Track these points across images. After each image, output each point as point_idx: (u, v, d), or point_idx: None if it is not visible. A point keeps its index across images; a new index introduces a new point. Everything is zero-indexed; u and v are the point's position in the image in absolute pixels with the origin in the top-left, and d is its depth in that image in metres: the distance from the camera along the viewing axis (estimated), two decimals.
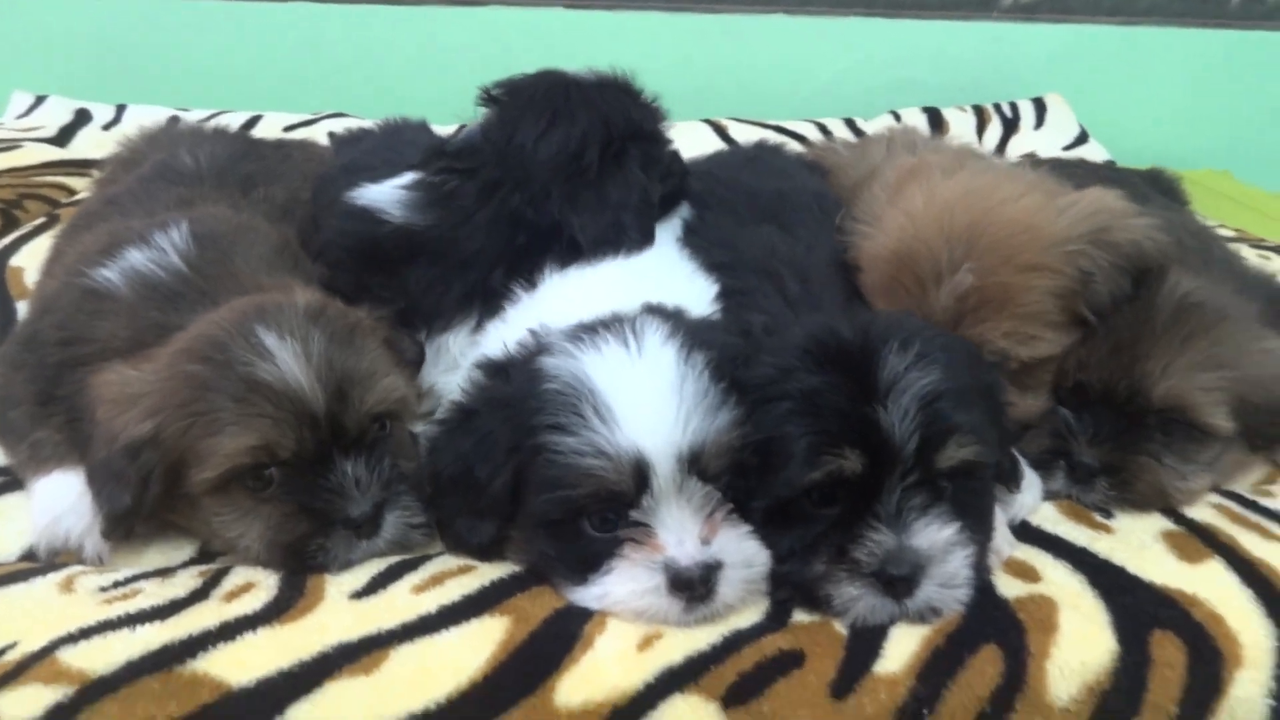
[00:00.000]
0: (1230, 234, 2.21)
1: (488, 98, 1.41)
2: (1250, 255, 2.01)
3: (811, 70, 3.05)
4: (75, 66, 2.73)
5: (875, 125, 2.73)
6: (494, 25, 2.92)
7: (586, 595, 1.01)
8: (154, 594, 1.02)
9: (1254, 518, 1.19)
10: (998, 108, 2.91)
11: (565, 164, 1.27)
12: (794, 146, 2.05)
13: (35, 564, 1.09)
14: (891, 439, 1.01)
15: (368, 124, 2.08)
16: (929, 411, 1.02)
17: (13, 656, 0.91)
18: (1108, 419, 1.22)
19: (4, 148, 2.27)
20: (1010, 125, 2.85)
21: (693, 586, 0.98)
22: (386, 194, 1.35)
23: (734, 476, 1.04)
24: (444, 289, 1.32)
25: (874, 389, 1.02)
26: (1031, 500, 1.23)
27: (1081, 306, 1.23)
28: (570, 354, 1.04)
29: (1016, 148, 2.78)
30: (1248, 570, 1.09)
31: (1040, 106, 2.91)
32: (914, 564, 1.01)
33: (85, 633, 0.94)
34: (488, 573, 1.06)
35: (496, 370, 1.11)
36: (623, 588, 0.99)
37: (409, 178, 1.37)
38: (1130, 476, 1.21)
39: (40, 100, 2.61)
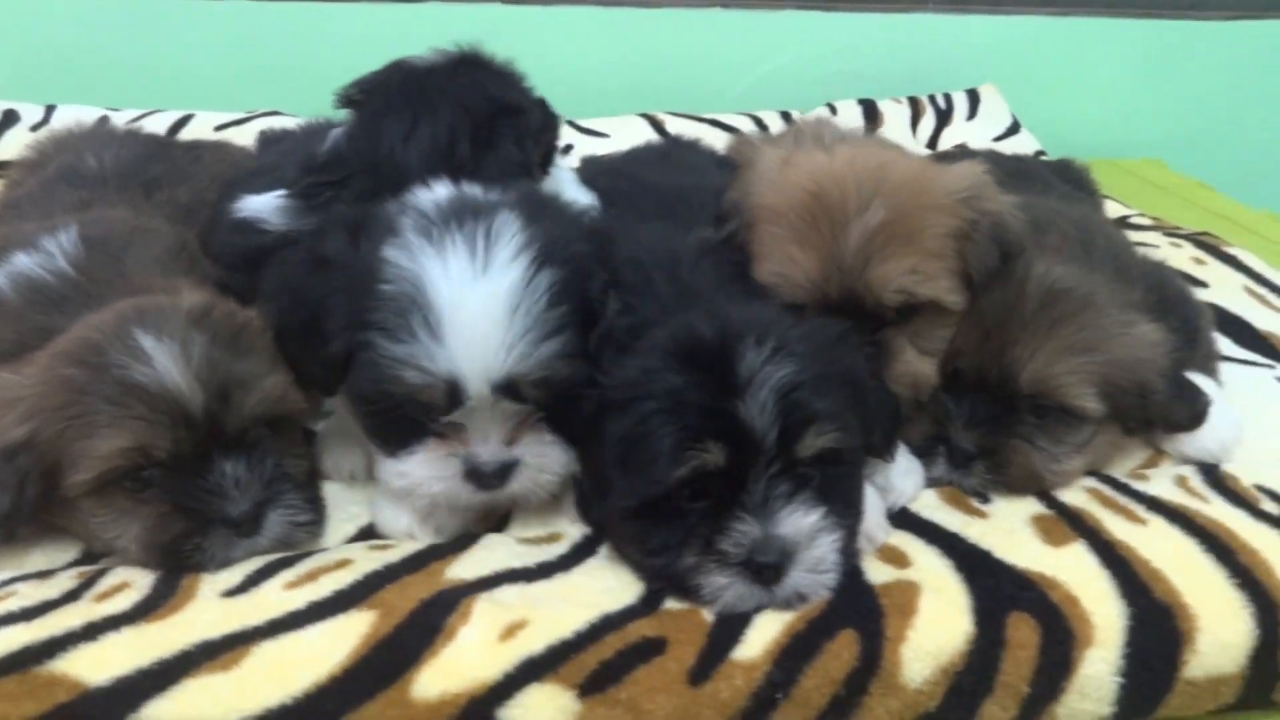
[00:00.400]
0: (1147, 222, 2.25)
1: (347, 100, 1.41)
2: (1161, 242, 2.07)
3: (749, 64, 3.07)
4: (3, 66, 2.70)
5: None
6: (431, 21, 2.91)
7: (390, 469, 1.11)
8: (28, 595, 1.03)
9: (1124, 501, 1.22)
10: (932, 99, 2.94)
11: (438, 162, 1.28)
12: (723, 141, 2.08)
13: None
14: (752, 431, 1.04)
15: (297, 123, 2.08)
16: (787, 402, 1.05)
17: None
18: (982, 404, 1.25)
19: None
20: (944, 117, 2.88)
21: (486, 479, 1.09)
22: (267, 204, 1.35)
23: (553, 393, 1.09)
24: None
25: (733, 384, 1.05)
26: (911, 488, 1.25)
27: (969, 262, 1.25)
28: (413, 253, 1.05)
29: (949, 139, 2.81)
30: (1109, 552, 1.12)
31: (974, 98, 2.94)
32: (781, 551, 1.04)
33: None
34: (363, 566, 1.08)
35: (355, 227, 1.12)
36: (422, 470, 1.09)
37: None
38: (1004, 460, 1.24)
39: None
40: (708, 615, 1.04)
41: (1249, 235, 2.46)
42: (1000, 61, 3.09)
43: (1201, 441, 1.32)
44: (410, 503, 1.15)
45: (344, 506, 1.23)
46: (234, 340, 1.14)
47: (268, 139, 1.97)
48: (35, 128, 2.47)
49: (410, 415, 1.08)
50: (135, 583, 1.05)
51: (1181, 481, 1.26)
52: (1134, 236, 2.12)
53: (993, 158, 1.90)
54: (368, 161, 1.33)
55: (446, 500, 1.11)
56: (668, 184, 1.53)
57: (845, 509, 1.10)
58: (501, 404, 1.07)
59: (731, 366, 1.06)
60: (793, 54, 3.04)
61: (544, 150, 1.42)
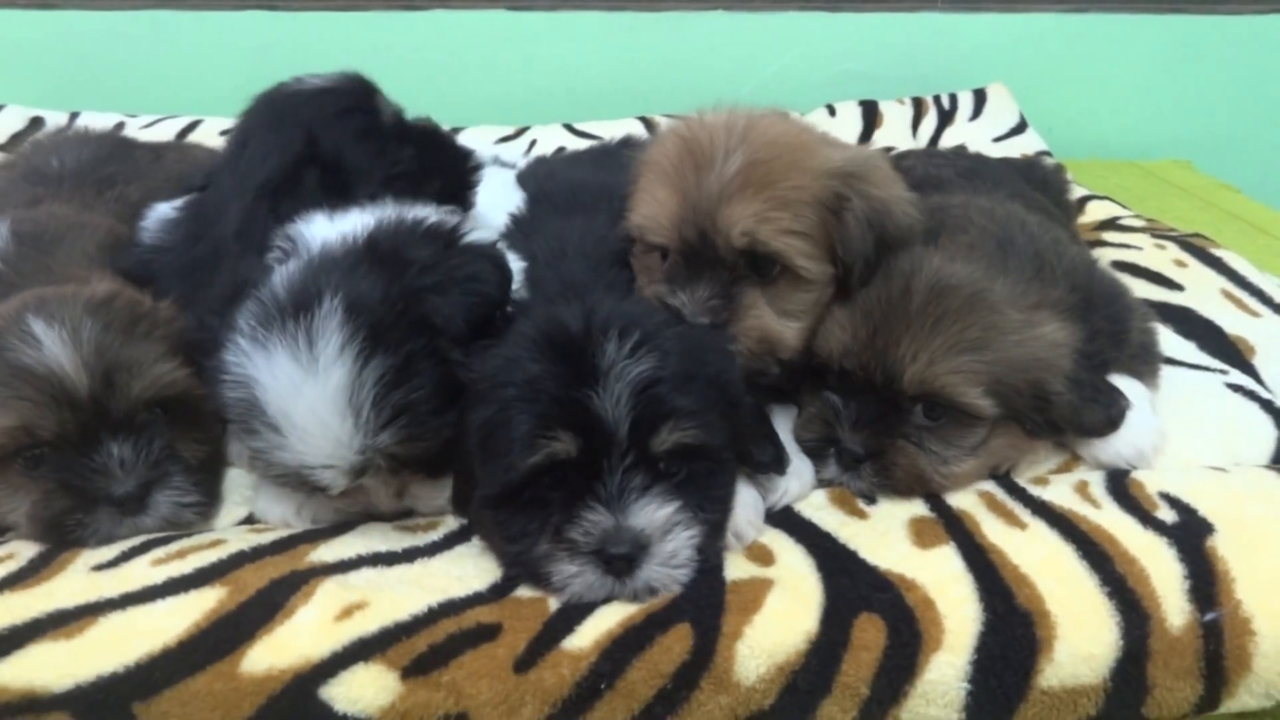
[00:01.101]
0: (1139, 224, 2.16)
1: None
2: (1145, 244, 1.98)
3: (752, 66, 3.05)
4: (36, 76, 2.87)
5: (810, 120, 2.73)
6: (438, 28, 2.98)
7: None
8: None
9: (1011, 504, 1.18)
10: (936, 100, 2.88)
11: (274, 183, 1.33)
12: None
13: None
14: (605, 423, 1.04)
15: None
16: (644, 396, 1.05)
17: None
18: (870, 405, 1.22)
19: None
20: (946, 117, 2.81)
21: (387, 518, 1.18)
22: (157, 214, 1.42)
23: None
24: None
25: (591, 375, 1.05)
26: (797, 487, 1.23)
27: (836, 239, 1.24)
28: (246, 355, 1.06)
29: (951, 139, 2.74)
30: (977, 556, 1.08)
31: (980, 97, 2.86)
32: (633, 543, 1.04)
33: None
34: (233, 546, 1.11)
35: (207, 326, 1.16)
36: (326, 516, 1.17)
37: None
38: (890, 461, 1.21)
39: None
40: (553, 604, 1.04)
41: (1264, 237, 2.35)
42: (1013, 61, 3.00)
43: (1116, 447, 1.27)
44: (289, 493, 1.19)
45: (241, 490, 1.28)
46: (130, 327, 1.20)
47: None
48: (48, 134, 2.61)
49: None
50: (19, 554, 1.11)
51: (1081, 487, 1.21)
52: (1118, 238, 2.05)
53: (950, 156, 1.87)
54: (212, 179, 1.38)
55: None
56: (593, 181, 1.54)
57: (709, 505, 1.10)
58: (372, 475, 1.11)
59: (590, 358, 1.06)
60: (796, 56, 3.01)
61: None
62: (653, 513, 1.05)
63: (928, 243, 1.34)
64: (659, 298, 1.27)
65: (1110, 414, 1.26)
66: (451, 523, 1.21)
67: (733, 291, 1.25)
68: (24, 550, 1.13)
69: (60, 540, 1.13)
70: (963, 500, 1.20)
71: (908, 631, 1.00)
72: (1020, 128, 2.77)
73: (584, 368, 1.06)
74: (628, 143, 1.85)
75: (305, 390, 1.03)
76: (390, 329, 1.08)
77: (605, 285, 1.27)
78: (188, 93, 2.90)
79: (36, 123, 2.69)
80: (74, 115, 2.74)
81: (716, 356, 1.14)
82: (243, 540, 1.13)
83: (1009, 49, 3.02)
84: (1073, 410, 1.22)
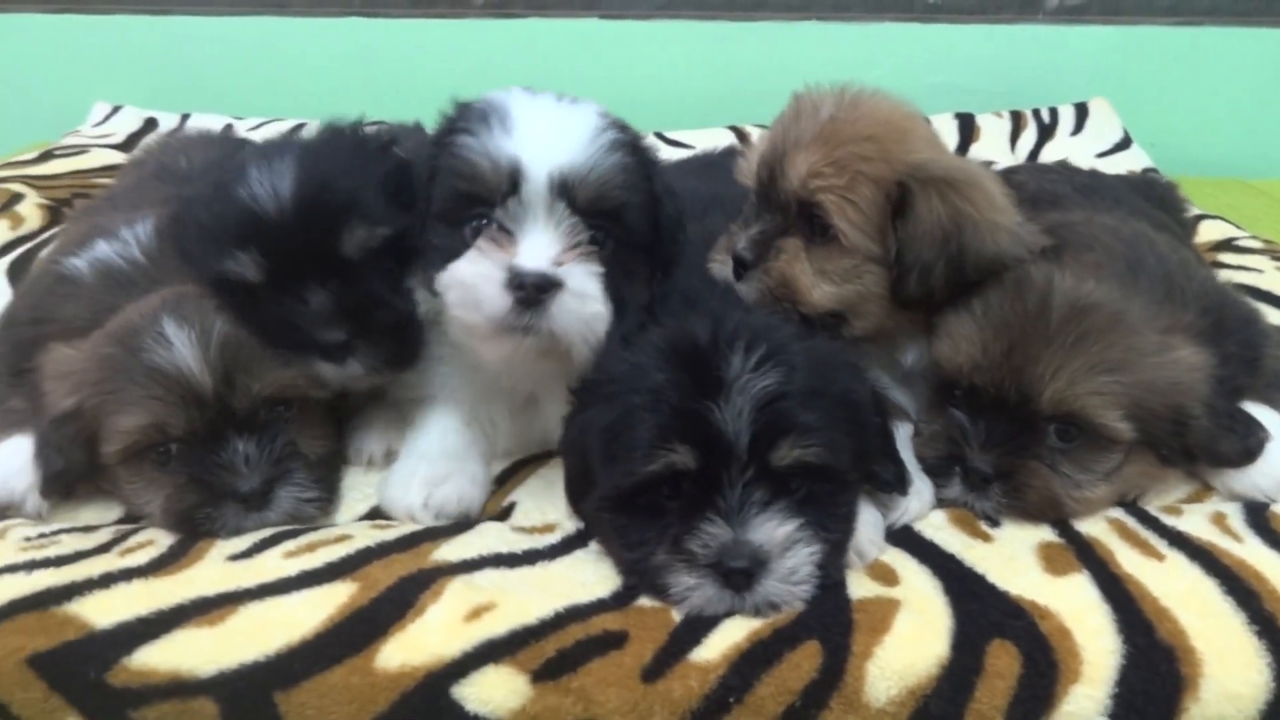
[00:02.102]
0: (1258, 245, 2.08)
1: None
2: (1267, 266, 1.91)
3: (846, 76, 3.00)
4: (150, 79, 2.99)
5: None
6: (531, 36, 3.02)
7: (440, 280, 1.15)
8: (68, 545, 1.14)
9: (1145, 534, 1.14)
10: (1036, 113, 2.82)
11: None
12: None
13: None
14: (725, 436, 1.03)
15: None
16: (766, 411, 1.04)
17: None
18: (1001, 424, 1.19)
19: (74, 152, 2.52)
20: (1046, 131, 2.75)
21: (526, 288, 1.09)
22: None
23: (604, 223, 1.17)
24: None
25: (714, 387, 1.05)
26: (917, 506, 1.21)
27: (892, 226, 1.24)
28: (504, 92, 1.21)
29: (1052, 153, 2.68)
30: (1114, 586, 1.05)
31: (1082, 111, 2.79)
32: (752, 557, 1.03)
33: None
34: (359, 542, 1.14)
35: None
36: (465, 268, 1.12)
37: None
38: (1022, 484, 1.17)
39: (116, 110, 2.88)
40: (676, 615, 1.04)
41: None
42: (1115, 74, 2.92)
43: (1253, 478, 1.22)
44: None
45: (359, 488, 1.30)
46: None
47: None
48: (172, 134, 2.71)
49: (469, 236, 1.15)
50: (157, 541, 1.15)
51: (1218, 519, 1.16)
52: (1236, 259, 1.98)
53: (1064, 172, 1.82)
54: None
55: (483, 313, 1.11)
56: (704, 190, 1.55)
57: (831, 523, 1.09)
58: (557, 210, 1.13)
59: (714, 370, 1.06)
60: (888, 67, 2.97)
61: None
62: (773, 529, 1.04)
63: (1050, 260, 1.31)
64: (728, 239, 1.34)
65: (1248, 444, 1.21)
66: (568, 526, 1.22)
67: (778, 235, 1.30)
68: (162, 537, 1.16)
69: (191, 532, 1.17)
70: (1092, 527, 1.16)
71: (1044, 661, 0.98)
72: (1125, 143, 2.69)
73: (707, 379, 1.06)
74: (732, 152, 1.85)
75: (552, 110, 1.19)
76: (628, 141, 1.23)
77: (719, 294, 1.27)
78: (291, 97, 2.99)
79: (150, 123, 2.81)
80: (185, 117, 2.86)
81: (845, 374, 1.13)
82: (368, 536, 1.16)
83: (1110, 62, 2.94)
84: (1209, 438, 1.17)
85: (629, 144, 1.22)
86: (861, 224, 1.25)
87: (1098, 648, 0.98)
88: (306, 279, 1.19)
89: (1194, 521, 1.16)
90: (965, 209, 1.23)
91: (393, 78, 3.05)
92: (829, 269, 1.27)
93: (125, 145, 2.66)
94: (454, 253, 1.15)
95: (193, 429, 1.16)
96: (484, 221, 1.15)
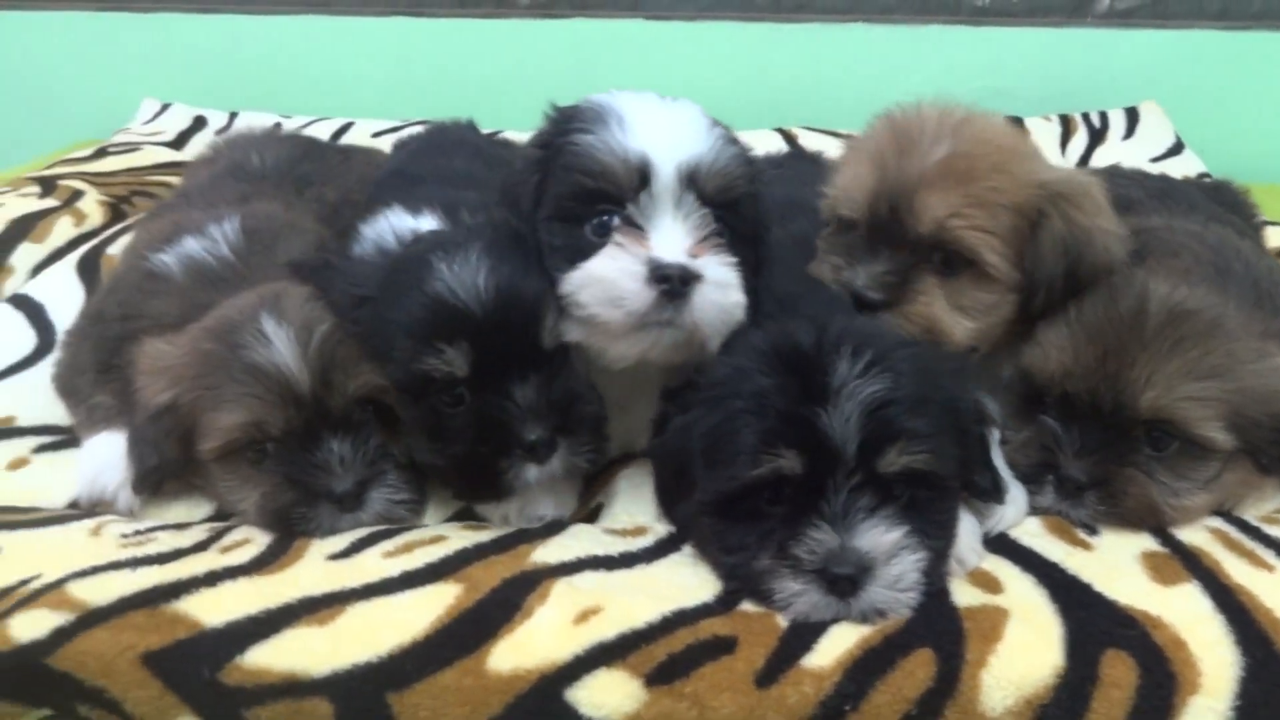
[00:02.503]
0: None
1: None
2: None
3: (890, 79, 3.00)
4: (198, 77, 2.99)
5: None
6: (577, 37, 3.02)
7: (570, 279, 1.13)
8: (165, 542, 1.14)
9: (1250, 544, 1.13)
10: (1085, 117, 2.79)
11: None
12: None
13: (76, 511, 1.24)
14: (832, 441, 1.03)
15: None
16: (874, 417, 1.03)
17: (33, 585, 1.05)
18: (1096, 431, 1.18)
19: (126, 150, 2.53)
20: (1097, 135, 2.73)
21: (670, 280, 1.08)
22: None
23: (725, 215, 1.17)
24: None
25: (820, 393, 1.04)
26: (1013, 514, 1.20)
27: (1026, 250, 1.23)
28: (606, 95, 1.21)
29: (1103, 158, 2.65)
30: (1225, 597, 1.04)
31: (1132, 116, 2.77)
32: (858, 564, 1.02)
33: (95, 570, 1.06)
34: (456, 543, 1.14)
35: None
36: (605, 264, 1.11)
37: None
38: (1118, 490, 1.16)
39: (165, 107, 2.89)
40: (782, 620, 1.04)
41: None
42: (1163, 78, 2.90)
43: None
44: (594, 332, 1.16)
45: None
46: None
47: (397, 144, 2.06)
48: (220, 131, 2.73)
49: (594, 235, 1.14)
50: (255, 539, 1.15)
51: None
52: None
53: (1136, 176, 1.81)
54: None
55: (624, 309, 1.10)
56: (780, 193, 1.53)
57: (934, 530, 1.08)
58: (686, 202, 1.14)
59: (821, 375, 1.05)
60: (936, 70, 2.95)
61: None
62: (880, 535, 1.04)
63: (1135, 265, 1.30)
64: (833, 271, 1.29)
65: None
66: (659, 529, 1.21)
67: (910, 274, 1.25)
68: (258, 535, 1.16)
69: (286, 531, 1.17)
70: (1194, 536, 1.15)
71: (1160, 671, 0.97)
72: (1177, 148, 2.66)
73: (814, 384, 1.05)
74: (800, 156, 1.84)
75: (666, 109, 1.19)
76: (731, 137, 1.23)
77: (812, 295, 1.26)
78: (337, 95, 3.00)
79: (200, 121, 2.82)
80: (233, 115, 2.86)
81: (950, 381, 1.12)
82: (463, 538, 1.15)
83: (1160, 66, 2.92)
84: None
85: (734, 139, 1.23)
86: (1006, 254, 1.23)
87: (1215, 659, 0.97)
88: (510, 374, 1.14)
89: None
90: (1082, 220, 1.23)
91: (437, 77, 3.05)
92: (967, 304, 1.25)
93: (176, 143, 2.68)
94: (578, 252, 1.14)
95: (290, 428, 1.16)
96: (608, 219, 1.14)
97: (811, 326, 1.11)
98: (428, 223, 1.36)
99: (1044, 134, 2.76)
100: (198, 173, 1.78)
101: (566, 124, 1.20)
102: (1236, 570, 1.08)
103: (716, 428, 1.09)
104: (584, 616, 1.01)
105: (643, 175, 1.13)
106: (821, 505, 1.04)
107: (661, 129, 1.15)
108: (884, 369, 1.06)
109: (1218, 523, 1.19)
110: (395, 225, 1.35)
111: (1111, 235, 1.25)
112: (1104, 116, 2.80)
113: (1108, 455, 1.17)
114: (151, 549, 1.12)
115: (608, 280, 1.10)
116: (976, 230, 1.22)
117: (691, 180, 1.14)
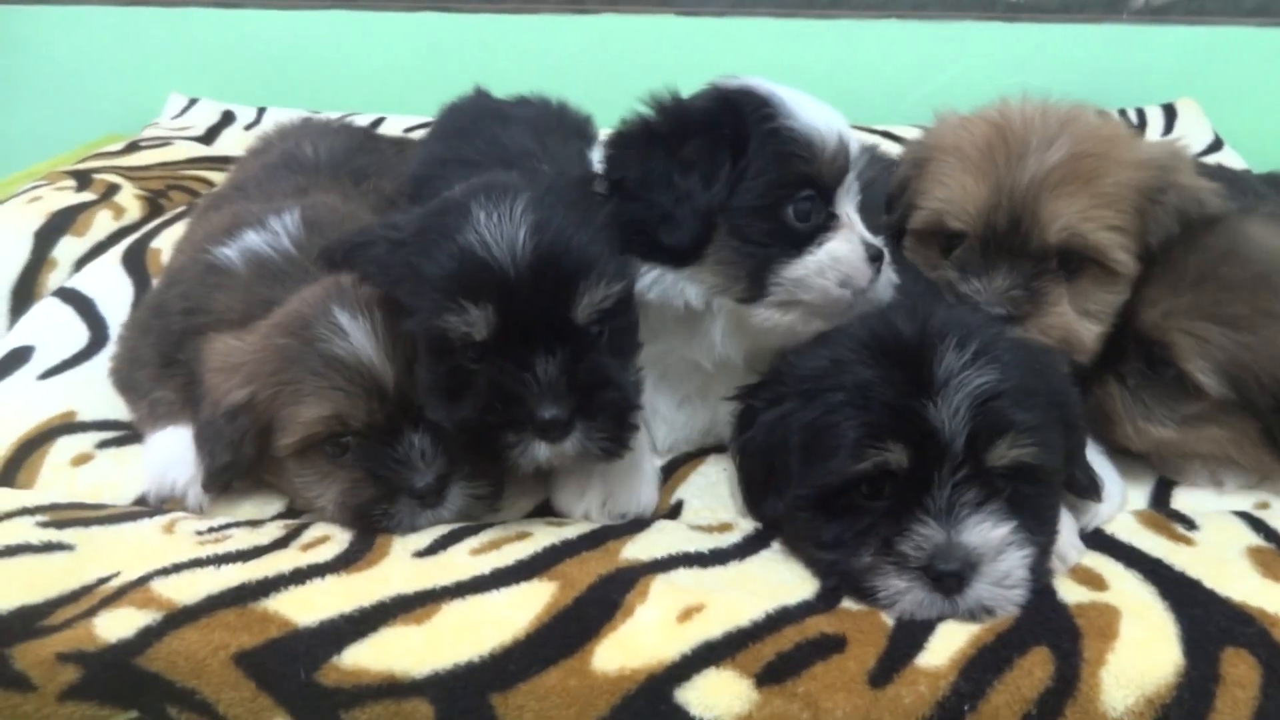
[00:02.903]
0: None
1: None
2: None
3: (924, 75, 2.98)
4: (224, 72, 2.96)
5: None
6: (608, 32, 2.99)
7: (806, 264, 1.13)
8: (242, 540, 1.11)
9: None
10: (1123, 114, 2.77)
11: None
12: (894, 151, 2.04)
13: (145, 508, 1.21)
14: (940, 434, 1.00)
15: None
16: (983, 409, 1.01)
17: (115, 583, 1.02)
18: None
19: (157, 144, 2.49)
20: (1136, 131, 2.71)
21: (879, 259, 1.17)
22: None
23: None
24: None
25: (926, 384, 1.02)
26: (1108, 509, 1.18)
27: (1148, 228, 1.22)
28: (749, 81, 1.21)
29: None
30: None
31: (1170, 113, 2.75)
32: (964, 560, 1.00)
33: (177, 568, 1.03)
34: (541, 539, 1.11)
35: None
36: (843, 247, 1.14)
37: None
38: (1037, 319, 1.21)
39: (193, 102, 2.86)
40: (888, 619, 1.01)
41: None
42: (1200, 75, 2.88)
43: None
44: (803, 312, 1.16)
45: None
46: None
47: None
48: (249, 127, 2.69)
49: (799, 196, 1.14)
50: (335, 536, 1.12)
51: None
52: None
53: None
54: None
55: (855, 288, 1.14)
56: None
57: (1038, 526, 1.05)
58: (855, 184, 1.19)
59: (927, 366, 1.03)
60: (969, 65, 2.94)
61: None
62: (987, 531, 1.01)
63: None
64: (948, 283, 1.26)
65: None
66: (744, 525, 1.18)
67: (1035, 285, 1.22)
68: (338, 532, 1.13)
69: (367, 527, 1.13)
70: None
71: None
72: (1217, 145, 2.64)
73: (920, 376, 1.03)
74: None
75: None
76: None
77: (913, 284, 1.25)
78: (365, 90, 2.96)
79: (228, 117, 2.78)
80: (261, 111, 2.83)
81: (1055, 373, 1.10)
82: (549, 534, 1.12)
83: (1196, 63, 2.90)
84: None
85: None
86: (1131, 245, 1.21)
87: None
88: (536, 344, 1.06)
89: None
90: (1189, 183, 1.24)
91: (466, 72, 2.99)
92: (1093, 308, 1.23)
93: (205, 138, 2.64)
94: (789, 236, 1.14)
95: (372, 421, 1.13)
96: (808, 203, 1.14)
97: (912, 316, 1.09)
98: None
99: None
100: (249, 164, 1.74)
101: (753, 109, 1.15)
102: None
103: (816, 421, 1.06)
104: (687, 614, 0.99)
105: (848, 157, 1.16)
106: (926, 500, 1.02)
107: (835, 118, 1.18)
108: (990, 360, 1.03)
109: None
110: None
111: (1212, 190, 1.26)
112: (1141, 113, 2.78)
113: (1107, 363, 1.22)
114: (230, 546, 1.09)
115: (848, 261, 1.14)
116: (1108, 230, 1.19)
117: (856, 163, 1.18)
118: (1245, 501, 1.22)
